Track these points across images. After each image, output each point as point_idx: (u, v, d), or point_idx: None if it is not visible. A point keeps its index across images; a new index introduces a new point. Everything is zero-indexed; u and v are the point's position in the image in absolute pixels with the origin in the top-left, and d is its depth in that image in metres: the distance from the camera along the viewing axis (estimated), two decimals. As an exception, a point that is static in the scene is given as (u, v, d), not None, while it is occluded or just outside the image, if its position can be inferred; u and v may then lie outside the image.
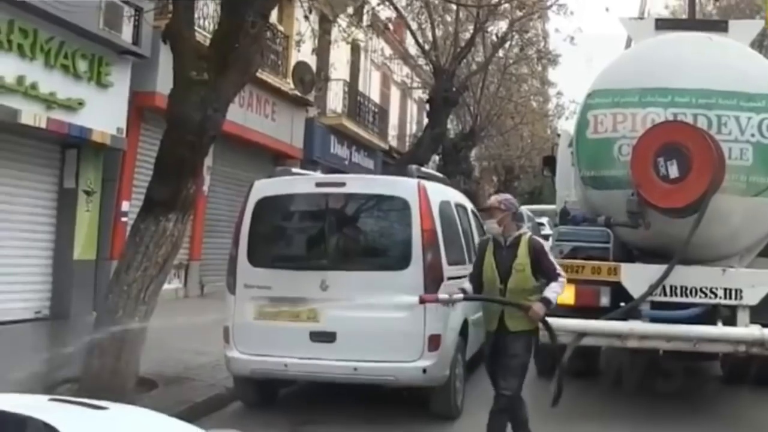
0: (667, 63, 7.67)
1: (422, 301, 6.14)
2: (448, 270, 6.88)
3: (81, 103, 11.51)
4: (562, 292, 5.93)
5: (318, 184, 7.31)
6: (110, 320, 7.20)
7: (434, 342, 6.54)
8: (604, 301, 7.31)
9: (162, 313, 10.45)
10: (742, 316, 7.16)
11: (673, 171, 6.90)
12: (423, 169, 7.73)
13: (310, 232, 7.52)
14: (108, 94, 12.20)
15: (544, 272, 5.86)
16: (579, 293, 7.20)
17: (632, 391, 8.40)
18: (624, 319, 7.11)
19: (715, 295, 7.19)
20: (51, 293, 12.07)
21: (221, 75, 7.51)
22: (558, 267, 5.95)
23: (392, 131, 27.67)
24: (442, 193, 7.67)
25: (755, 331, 6.92)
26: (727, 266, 7.44)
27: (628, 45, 10.57)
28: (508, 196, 6.48)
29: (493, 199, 6.21)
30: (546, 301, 5.76)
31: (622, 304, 7.30)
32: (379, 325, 6.56)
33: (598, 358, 8.81)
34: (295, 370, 6.75)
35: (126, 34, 12.19)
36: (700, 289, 7.23)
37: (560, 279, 5.83)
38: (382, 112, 26.21)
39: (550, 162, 12.08)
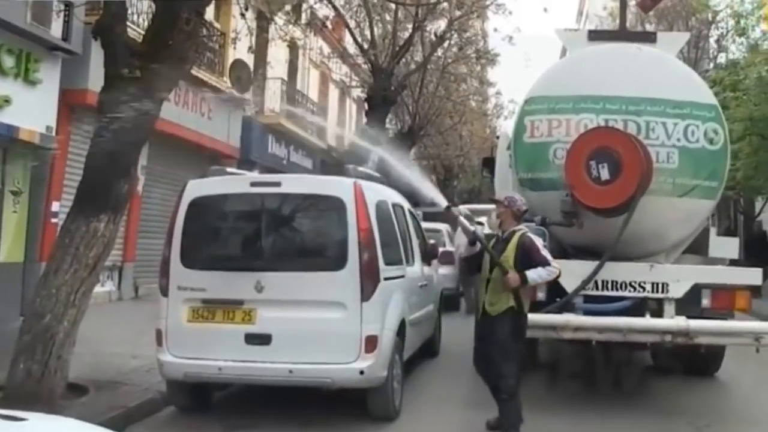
0: (599, 72, 8.19)
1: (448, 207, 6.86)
2: (384, 270, 6.83)
3: (7, 101, 11.11)
4: (546, 278, 6.39)
5: (253, 184, 7.17)
6: (37, 324, 6.99)
7: (371, 343, 6.47)
8: (540, 295, 7.59)
9: (95, 315, 10.21)
10: (669, 308, 7.64)
11: (605, 173, 7.39)
12: (360, 168, 7.65)
13: (244, 232, 7.37)
14: (37, 91, 11.81)
15: (535, 265, 6.30)
16: None
17: (569, 380, 8.98)
18: (559, 312, 7.50)
19: (644, 289, 7.68)
20: (-25, 297, 11.63)
21: (154, 72, 7.35)
22: (551, 260, 6.35)
23: (330, 130, 27.53)
24: (378, 193, 7.60)
25: (680, 322, 7.38)
26: (655, 262, 7.91)
27: (563, 54, 11.51)
28: (515, 195, 6.93)
29: (503, 195, 7.00)
30: (523, 276, 6.22)
31: (558, 299, 7.67)
32: (314, 326, 6.48)
33: (536, 351, 9.19)
34: (229, 374, 6.61)
35: (55, 30, 11.79)
36: (630, 284, 7.69)
37: (548, 267, 6.28)
38: (321, 111, 26.07)
39: (489, 163, 12.52)
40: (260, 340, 6.52)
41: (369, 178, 7.70)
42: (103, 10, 7.66)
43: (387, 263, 6.95)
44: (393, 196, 8.34)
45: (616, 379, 8.85)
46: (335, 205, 6.75)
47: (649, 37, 9.42)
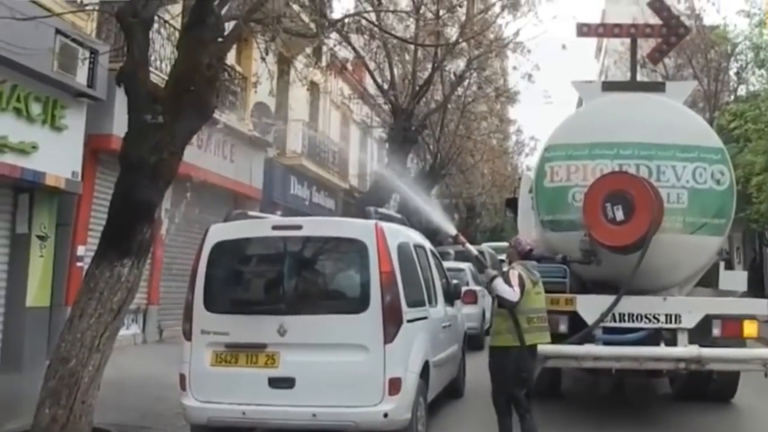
0: (613, 120, 8.89)
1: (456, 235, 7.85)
2: (407, 312, 6.81)
3: (34, 147, 11.29)
4: (501, 291, 6.90)
5: (274, 228, 7.21)
6: (62, 369, 7.00)
7: (394, 385, 6.43)
8: (563, 328, 8.24)
9: (120, 359, 10.25)
10: (682, 337, 8.19)
11: (619, 214, 8.04)
12: (381, 210, 7.68)
13: (267, 276, 7.40)
14: (62, 137, 11.98)
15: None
16: None
17: (592, 408, 9.57)
18: (580, 343, 8.08)
19: (658, 320, 8.25)
20: (1, 342, 11.69)
21: (177, 118, 7.42)
22: (515, 288, 6.89)
23: (353, 170, 27.66)
24: (400, 234, 7.62)
25: (693, 350, 7.95)
26: (668, 295, 8.56)
27: (579, 104, 12.31)
28: (520, 238, 7.80)
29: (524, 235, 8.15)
30: (491, 274, 7.10)
31: (579, 331, 8.23)
32: (338, 369, 6.46)
33: (560, 380, 9.84)
34: (253, 417, 6.60)
35: (81, 77, 12.00)
36: (645, 315, 8.28)
37: (510, 289, 6.88)
38: (342, 152, 26.23)
39: (511, 203, 13.20)
40: (284, 383, 6.51)
41: (390, 219, 7.73)
42: (127, 57, 7.75)
43: (409, 305, 6.93)
44: (414, 237, 8.35)
45: (635, 406, 9.34)
46: (357, 247, 6.76)
47: (658, 87, 10.13)
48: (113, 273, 7.24)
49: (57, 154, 11.77)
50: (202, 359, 6.74)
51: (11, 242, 11.90)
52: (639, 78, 11.45)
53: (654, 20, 11.03)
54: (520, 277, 7.02)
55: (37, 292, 12.05)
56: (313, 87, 23.75)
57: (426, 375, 7.20)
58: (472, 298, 14.48)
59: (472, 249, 7.80)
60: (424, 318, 7.52)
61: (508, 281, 6.98)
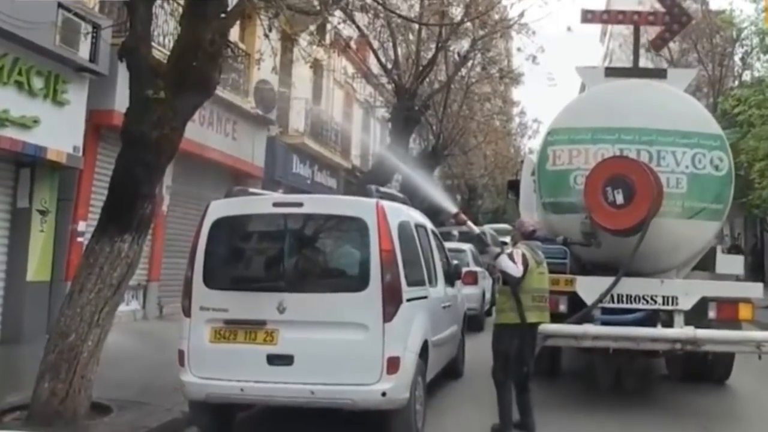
0: (615, 106, 9.04)
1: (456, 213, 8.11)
2: (407, 291, 6.78)
3: (36, 121, 11.26)
4: (505, 266, 7.22)
5: (275, 205, 7.18)
6: (62, 343, 7.04)
7: (393, 364, 6.41)
8: (562, 308, 8.47)
9: (119, 334, 10.26)
10: (678, 319, 8.41)
11: (620, 198, 8.19)
12: (382, 189, 7.63)
13: (267, 253, 7.37)
14: (64, 112, 11.95)
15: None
16: None
17: (590, 386, 9.66)
18: (580, 323, 8.21)
19: (655, 302, 8.48)
20: (2, 316, 11.71)
21: (179, 93, 7.41)
22: (518, 264, 7.22)
23: (355, 150, 27.61)
24: (401, 213, 7.57)
25: (689, 331, 8.08)
26: (666, 278, 8.71)
27: (582, 89, 12.88)
28: (524, 219, 8.33)
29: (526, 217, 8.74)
30: (495, 251, 7.44)
31: (578, 311, 8.42)
32: (336, 347, 6.45)
33: (559, 359, 10.13)
34: (251, 394, 6.59)
35: (83, 52, 11.94)
36: (643, 297, 8.50)
37: (513, 265, 7.19)
38: (345, 131, 26.13)
39: (514, 185, 13.47)
40: (282, 360, 6.50)
41: (392, 198, 7.69)
42: (129, 32, 7.71)
43: (409, 284, 6.91)
44: (416, 217, 8.32)
45: (631, 387, 9.43)
46: (357, 226, 6.73)
47: (660, 73, 10.35)
48: (113, 248, 7.26)
49: (58, 129, 11.74)
50: (201, 335, 6.73)
51: (12, 217, 11.91)
52: (644, 62, 11.85)
53: (657, 7, 11.11)
54: (524, 256, 7.32)
55: (37, 267, 12.07)
56: (317, 65, 23.60)
57: (425, 355, 7.19)
58: (472, 278, 14.45)
59: (474, 227, 7.97)
60: (424, 297, 7.50)
61: (512, 259, 7.24)
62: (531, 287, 7.36)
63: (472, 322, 12.39)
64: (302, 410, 6.96)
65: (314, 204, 7.28)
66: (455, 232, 9.30)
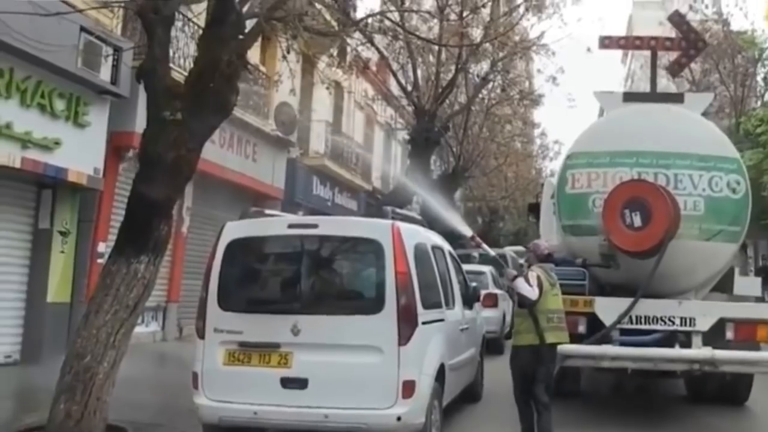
0: (633, 130, 9.15)
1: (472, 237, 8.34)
2: (423, 314, 6.71)
3: (57, 143, 11.36)
4: (521, 289, 7.23)
5: (290, 226, 7.15)
6: (78, 365, 6.99)
7: (408, 388, 6.33)
8: (582, 329, 8.55)
9: (138, 356, 10.24)
10: (696, 340, 8.48)
11: (637, 220, 8.30)
12: (399, 210, 7.58)
13: (281, 275, 7.34)
14: (85, 133, 12.05)
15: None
16: None
17: (611, 408, 9.88)
18: (598, 344, 8.33)
19: (673, 323, 8.53)
20: (22, 337, 11.76)
21: (196, 115, 7.40)
22: (534, 287, 7.24)
23: (376, 172, 27.62)
24: (417, 235, 7.52)
25: (707, 352, 8.17)
26: (684, 299, 8.79)
27: (600, 114, 12.95)
28: (539, 242, 8.23)
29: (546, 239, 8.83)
30: (512, 273, 7.54)
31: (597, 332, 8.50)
32: (351, 370, 6.38)
33: (579, 379, 10.12)
34: (264, 418, 6.52)
35: (104, 74, 12.07)
36: (661, 318, 8.56)
37: (529, 288, 7.22)
38: (365, 154, 26.15)
39: (534, 208, 13.64)
40: (296, 384, 6.44)
41: (408, 219, 7.63)
42: (147, 54, 7.73)
43: (425, 307, 6.83)
44: (432, 238, 8.25)
45: (651, 407, 9.67)
46: (373, 247, 6.67)
47: (677, 98, 10.38)
48: (129, 269, 7.22)
49: (79, 151, 11.83)
50: (215, 358, 6.69)
51: (33, 237, 12.00)
52: (665, 83, 12.00)
53: (675, 32, 11.26)
54: (539, 278, 7.36)
55: (57, 288, 12.12)
56: (337, 88, 23.70)
57: (441, 378, 7.09)
58: (492, 301, 14.29)
59: (490, 250, 8.34)
60: (441, 320, 7.42)
61: (527, 281, 7.31)
62: (546, 308, 7.39)
63: (491, 345, 12.26)
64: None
65: (329, 225, 7.23)
66: (475, 254, 9.27)
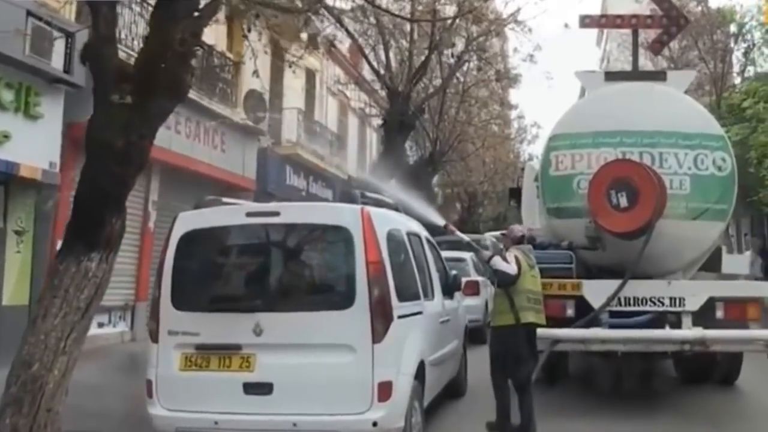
0: (616, 109, 9.10)
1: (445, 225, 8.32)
2: (398, 307, 6.10)
3: (6, 136, 10.75)
4: (500, 265, 7.40)
5: (249, 215, 6.44)
6: (24, 374, 6.41)
7: (384, 390, 5.72)
8: (570, 312, 8.50)
9: (104, 359, 9.64)
10: (686, 320, 8.41)
11: (623, 201, 8.22)
12: (369, 194, 6.95)
13: (240, 269, 6.65)
14: (38, 126, 11.43)
15: None
16: (548, 307, 8.09)
17: (600, 391, 9.96)
18: (587, 327, 8.28)
19: (663, 304, 8.47)
20: (-23, 343, 11.09)
21: (147, 98, 6.86)
22: (512, 264, 7.42)
23: (351, 160, 27.04)
24: (390, 221, 6.88)
25: (697, 332, 8.12)
26: (672, 279, 8.71)
27: (582, 94, 12.51)
28: (514, 226, 8.60)
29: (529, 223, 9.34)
30: (487, 254, 7.68)
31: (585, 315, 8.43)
32: (320, 373, 5.77)
33: (567, 363, 10.11)
34: (226, 428, 5.86)
35: (56, 62, 11.42)
36: (650, 299, 8.49)
37: (507, 265, 7.40)
38: (340, 141, 25.61)
39: (515, 193, 13.76)
40: (260, 389, 5.81)
41: (380, 204, 7.01)
42: (92, 32, 7.15)
43: (401, 299, 6.22)
44: (407, 224, 7.62)
45: (641, 389, 9.66)
46: (340, 235, 6.05)
47: (660, 76, 10.34)
48: (79, 268, 6.67)
49: (32, 144, 11.22)
50: (170, 363, 6.05)
51: (-14, 237, 11.33)
52: (644, 61, 12.18)
53: (655, 10, 11.21)
54: (517, 258, 7.51)
55: (14, 290, 11.50)
56: (309, 74, 23.12)
57: (421, 376, 6.50)
58: (473, 289, 13.77)
59: (463, 236, 8.27)
60: (419, 313, 6.82)
61: (504, 260, 7.45)
62: (525, 288, 7.49)
63: (474, 335, 11.73)
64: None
65: (292, 212, 6.54)
66: (467, 238, 8.78)
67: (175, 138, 15.41)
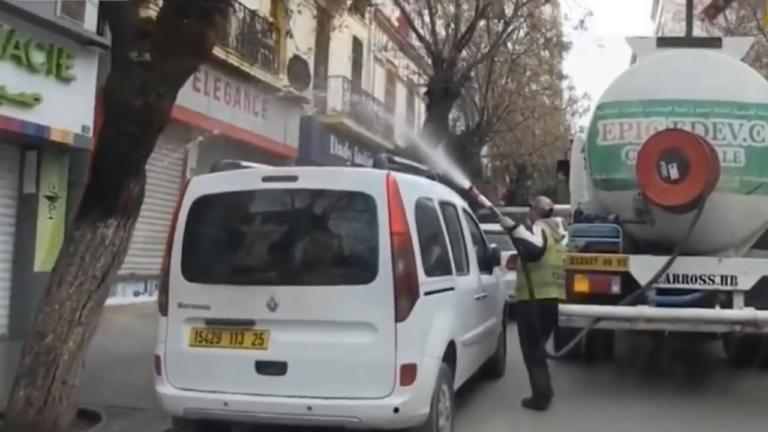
0: (668, 77, 8.70)
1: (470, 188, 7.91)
2: (426, 283, 5.60)
3: (37, 99, 10.46)
4: (525, 235, 7.53)
5: (265, 179, 5.93)
6: (38, 345, 6.23)
7: (408, 373, 5.25)
8: (615, 288, 8.26)
9: (142, 328, 9.39)
10: (738, 299, 8.08)
11: (674, 173, 7.84)
12: (397, 159, 6.41)
13: (255, 238, 6.19)
14: (71, 89, 11.13)
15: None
16: (593, 282, 8.21)
17: (645, 372, 9.48)
18: (633, 304, 7.98)
19: (713, 282, 8.14)
20: (9, 309, 10.99)
21: (167, 56, 6.52)
22: (538, 236, 7.57)
23: (398, 130, 26.53)
24: (420, 189, 6.36)
25: (749, 313, 7.86)
26: (724, 256, 8.39)
27: (633, 60, 12.19)
28: (541, 197, 8.62)
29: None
30: (511, 224, 7.59)
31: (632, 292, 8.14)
32: (338, 353, 5.32)
33: (612, 342, 9.89)
34: (236, 409, 5.46)
35: (89, 23, 11.15)
36: (700, 277, 8.17)
37: (533, 236, 7.52)
38: (387, 110, 25.12)
39: (563, 165, 13.44)
40: (274, 369, 5.38)
41: (410, 170, 6.48)
42: (111, -14, 6.82)
43: (429, 274, 5.72)
44: (441, 193, 7.08)
45: (688, 371, 9.38)
46: (363, 203, 5.56)
47: (715, 43, 9.89)
48: (96, 235, 6.44)
49: (64, 108, 10.94)
50: (180, 338, 5.65)
51: (18, 203, 11.18)
52: (698, 33, 11.58)
53: None
54: (543, 232, 7.57)
55: (46, 257, 11.23)
56: (356, 43, 22.64)
57: (452, 358, 6.01)
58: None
59: (486, 201, 8.06)
60: (450, 289, 6.31)
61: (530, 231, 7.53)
62: (550, 263, 7.56)
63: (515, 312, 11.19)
64: (298, 429, 5.75)
65: (311, 177, 6.01)
66: (489, 203, 8.32)
67: (214, 104, 15.14)
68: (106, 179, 6.57)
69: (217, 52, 14.53)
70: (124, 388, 7.48)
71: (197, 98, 14.57)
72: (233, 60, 15.59)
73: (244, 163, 6.41)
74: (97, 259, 6.41)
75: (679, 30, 27.92)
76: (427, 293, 5.59)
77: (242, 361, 5.46)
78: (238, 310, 5.54)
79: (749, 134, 8.35)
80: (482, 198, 7.94)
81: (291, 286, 5.55)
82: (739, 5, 23.13)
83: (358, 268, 5.61)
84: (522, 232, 7.40)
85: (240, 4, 15.43)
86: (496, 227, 8.09)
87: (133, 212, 6.72)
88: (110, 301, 11.30)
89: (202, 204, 5.87)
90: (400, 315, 5.30)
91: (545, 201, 8.28)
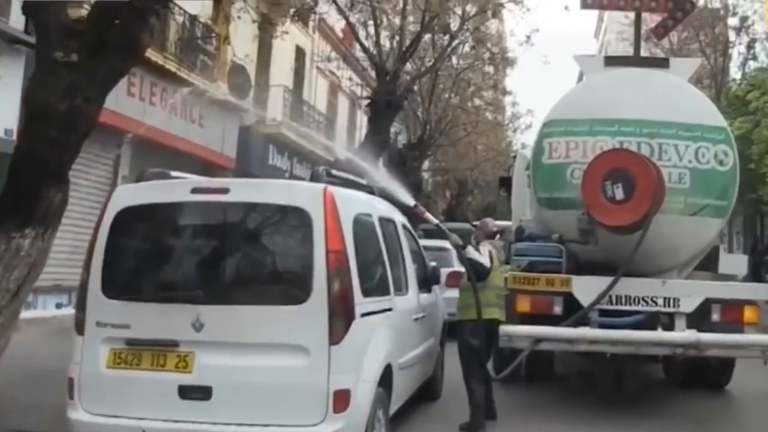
0: (615, 96, 8.69)
1: (415, 205, 7.58)
2: (362, 303, 5.34)
3: (-43, 99, 9.92)
4: (474, 255, 7.42)
5: (194, 191, 5.59)
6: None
7: (341, 399, 4.98)
8: (557, 309, 8.23)
9: (54, 344, 8.88)
10: (680, 322, 8.08)
11: (619, 193, 7.81)
12: (335, 172, 6.14)
13: (181, 253, 5.81)
14: (-6, 89, 10.62)
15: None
16: (534, 302, 8.18)
17: (585, 393, 9.68)
18: (575, 326, 7.92)
19: (656, 304, 8.11)
20: None
21: (96, 56, 6.25)
22: (485, 256, 7.46)
23: (340, 142, 26.28)
24: (359, 204, 6.10)
25: (692, 335, 7.80)
26: (667, 278, 8.39)
27: (580, 79, 12.48)
28: (487, 220, 8.49)
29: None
30: (461, 243, 7.42)
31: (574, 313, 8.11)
32: (268, 377, 5.02)
33: (552, 363, 9.80)
34: None
35: (16, 21, 10.67)
36: (643, 298, 8.15)
37: (480, 257, 7.44)
38: (328, 122, 24.84)
39: (505, 182, 13.41)
40: (198, 394, 5.05)
41: (349, 184, 6.22)
42: (35, -19, 6.45)
43: (366, 294, 5.46)
44: (380, 208, 6.82)
45: (628, 392, 9.41)
46: (298, 218, 5.26)
47: (662, 63, 9.92)
48: (10, 246, 6.10)
49: (-13, 109, 10.42)
50: (96, 360, 5.26)
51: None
52: (642, 53, 11.25)
53: None
54: (490, 253, 7.54)
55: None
56: (299, 53, 22.37)
57: (388, 382, 5.76)
58: (456, 280, 12.94)
59: (432, 218, 7.80)
60: (387, 310, 6.06)
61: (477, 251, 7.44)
62: (494, 284, 7.51)
63: (454, 330, 10.98)
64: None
65: (243, 190, 5.70)
66: (435, 221, 8.04)
67: (150, 109, 14.71)
68: (24, 187, 6.24)
69: (154, 56, 14.13)
70: (35, 411, 7.04)
71: (131, 103, 14.12)
72: (171, 65, 15.18)
73: (173, 173, 6.05)
74: (11, 272, 6.08)
75: (622, 50, 28.42)
76: (363, 314, 5.33)
77: (164, 385, 5.10)
78: (161, 329, 5.18)
79: (694, 156, 8.38)
80: (429, 215, 7.70)
81: (218, 305, 5.22)
82: (682, 27, 23.64)
83: (290, 288, 5.30)
84: (471, 252, 7.35)
85: (180, 8, 15.05)
86: (437, 243, 7.94)
87: (53, 222, 6.40)
88: (31, 314, 10.86)
89: (126, 216, 5.49)
90: (335, 338, 5.03)
91: (492, 223, 8.26)
